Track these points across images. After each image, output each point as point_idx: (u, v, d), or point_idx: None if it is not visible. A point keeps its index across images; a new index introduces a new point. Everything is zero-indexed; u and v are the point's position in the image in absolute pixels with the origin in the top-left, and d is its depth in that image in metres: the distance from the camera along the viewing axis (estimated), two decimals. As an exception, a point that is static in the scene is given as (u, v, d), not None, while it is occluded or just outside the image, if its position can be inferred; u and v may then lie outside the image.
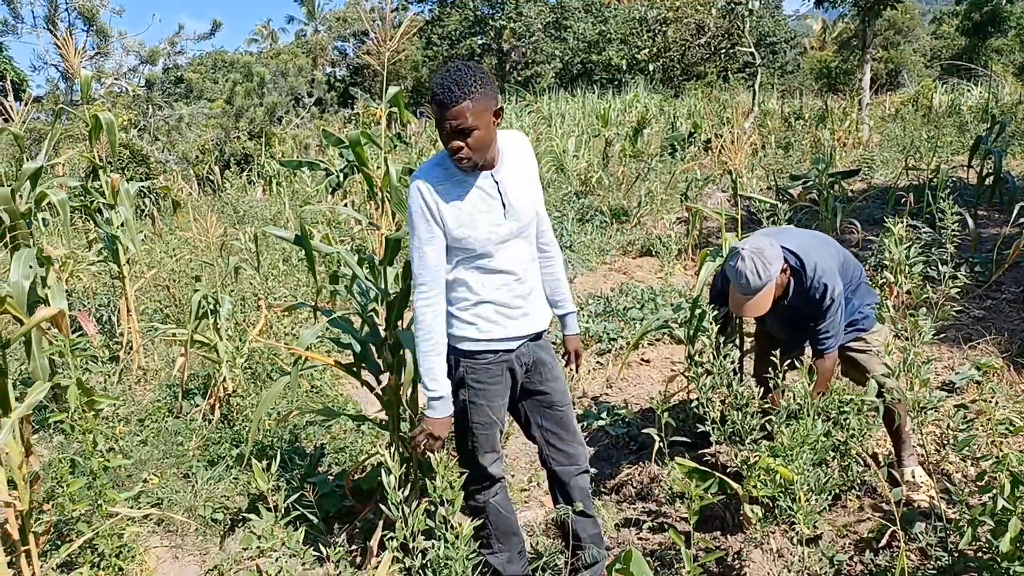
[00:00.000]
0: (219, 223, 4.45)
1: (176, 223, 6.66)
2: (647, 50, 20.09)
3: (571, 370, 2.57)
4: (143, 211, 8.86)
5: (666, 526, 2.78)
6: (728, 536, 2.69)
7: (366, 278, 2.73)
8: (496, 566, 2.44)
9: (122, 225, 4.37)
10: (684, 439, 3.36)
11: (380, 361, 2.80)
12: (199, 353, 4.13)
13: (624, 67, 21.45)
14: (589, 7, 25.18)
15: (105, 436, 3.24)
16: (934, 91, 14.85)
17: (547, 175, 10.29)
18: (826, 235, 2.96)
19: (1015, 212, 4.93)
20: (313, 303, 3.01)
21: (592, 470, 3.36)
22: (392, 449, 2.81)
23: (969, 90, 15.43)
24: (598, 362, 4.70)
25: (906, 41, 30.65)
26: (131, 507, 2.97)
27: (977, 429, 2.77)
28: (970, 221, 5.65)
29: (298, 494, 2.77)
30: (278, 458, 2.12)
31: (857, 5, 13.21)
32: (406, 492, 1.90)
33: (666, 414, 2.81)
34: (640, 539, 2.82)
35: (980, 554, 2.21)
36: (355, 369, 2.80)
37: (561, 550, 2.61)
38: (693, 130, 11.90)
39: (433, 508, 1.91)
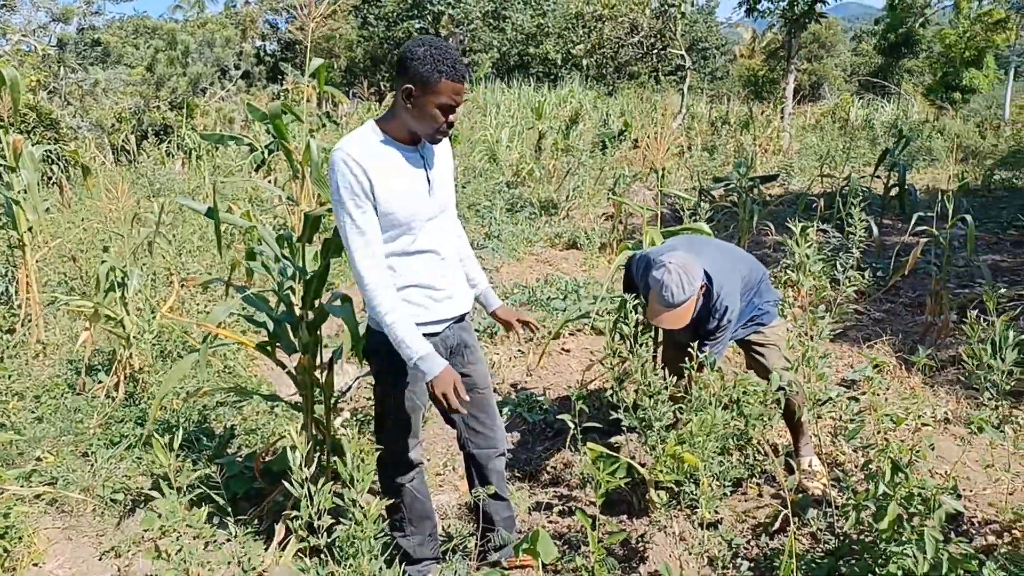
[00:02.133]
0: (132, 194, 4.25)
1: (86, 191, 6.31)
2: (582, 45, 20.33)
3: (529, 331, 2.55)
4: (50, 178, 8.36)
5: (576, 509, 2.84)
6: (634, 519, 2.77)
7: (283, 256, 2.67)
8: (407, 549, 2.44)
9: (24, 191, 4.12)
10: (598, 426, 3.45)
11: (296, 341, 2.74)
12: (104, 328, 3.94)
13: (559, 61, 21.63)
14: (528, -1, 25.25)
15: (-5, 411, 3.07)
16: (851, 105, 15.63)
17: (479, 164, 10.29)
18: (733, 246, 3.08)
19: (913, 222, 5.24)
20: (227, 279, 2.92)
21: (508, 455, 3.43)
22: (304, 430, 2.78)
23: (882, 106, 16.30)
24: (519, 350, 4.75)
25: (829, 55, 32.05)
26: (21, 486, 2.82)
27: (866, 421, 2.94)
28: (875, 229, 5.99)
29: (205, 475, 2.70)
30: (179, 437, 2.04)
31: (784, 17, 13.75)
32: (311, 470, 1.87)
33: (581, 401, 2.87)
34: (550, 522, 2.87)
35: (863, 536, 2.36)
36: (269, 348, 2.74)
37: (472, 532, 2.63)
38: (624, 128, 12.12)
39: (343, 488, 1.89)
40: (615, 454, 2.63)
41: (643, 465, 2.78)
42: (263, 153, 7.74)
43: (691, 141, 11.43)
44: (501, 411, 3.90)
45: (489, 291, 2.56)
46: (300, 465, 1.82)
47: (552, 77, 21.49)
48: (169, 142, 11.69)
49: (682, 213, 4.22)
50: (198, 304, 4.55)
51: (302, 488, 1.84)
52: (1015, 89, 23.66)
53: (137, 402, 3.69)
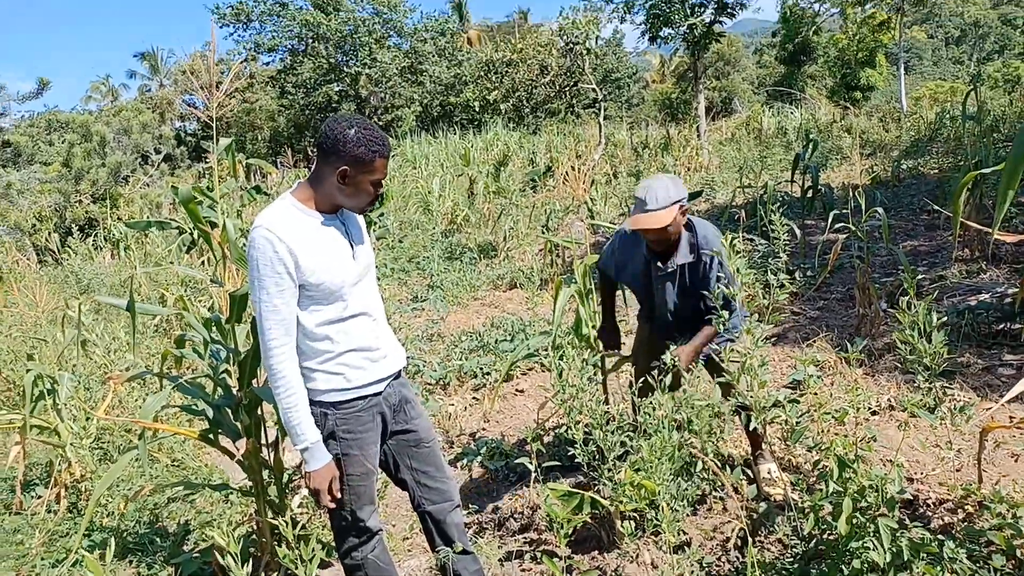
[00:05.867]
0: (56, 294, 4.11)
1: (1, 298, 6.08)
2: (497, 91, 20.81)
3: None
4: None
5: (545, 555, 2.81)
6: (605, 554, 2.76)
7: (214, 339, 2.61)
8: (377, 622, 2.36)
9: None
10: (559, 464, 3.44)
11: (238, 424, 2.67)
12: (38, 439, 3.76)
13: (478, 108, 22.08)
14: (442, 51, 25.70)
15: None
16: (763, 115, 16.32)
17: (414, 216, 10.34)
18: None
19: (830, 220, 5.47)
20: (160, 370, 2.83)
21: (474, 507, 3.38)
22: (258, 516, 2.69)
23: (791, 112, 17.07)
24: (474, 398, 4.72)
25: (735, 71, 33.55)
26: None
27: (813, 420, 3.02)
28: (797, 231, 6.22)
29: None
30: (112, 547, 1.95)
31: (686, 41, 14.36)
32: (265, 560, 1.81)
33: (536, 442, 2.86)
34: (523, 570, 2.83)
35: (827, 536, 2.40)
36: (211, 436, 2.66)
37: (444, 594, 2.57)
38: (551, 164, 12.37)
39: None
40: (576, 490, 2.63)
41: (605, 497, 2.77)
42: (192, 235, 7.64)
43: (616, 168, 11.72)
44: (461, 461, 3.86)
45: None
46: (237, 566, 1.75)
47: (476, 123, 21.85)
48: (95, 236, 11.40)
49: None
50: (136, 400, 4.39)
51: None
52: (907, 82, 25.16)
53: (81, 512, 3.52)
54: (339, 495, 2.15)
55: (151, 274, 7.43)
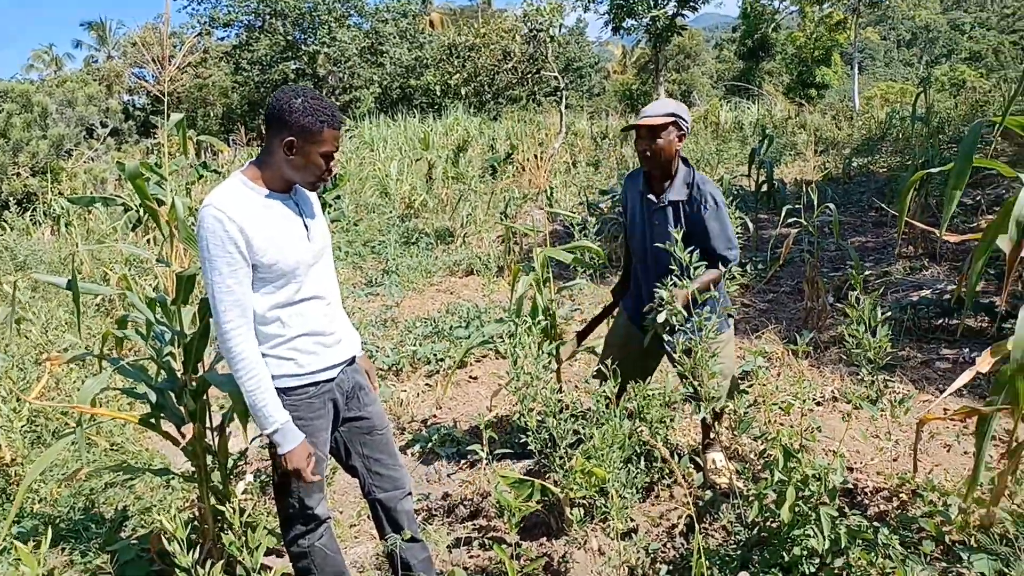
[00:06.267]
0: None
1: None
2: (458, 75, 20.65)
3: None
4: None
5: (495, 541, 2.81)
6: (553, 540, 2.77)
7: (159, 320, 2.52)
8: (323, 610, 2.33)
9: None
10: (510, 451, 3.45)
11: (182, 409, 2.59)
12: (-33, 422, 3.60)
13: (439, 92, 21.88)
14: (404, 33, 25.34)
15: None
16: (720, 109, 16.55)
17: (371, 200, 10.20)
18: None
19: (783, 214, 5.58)
20: (99, 352, 2.73)
21: (426, 492, 3.36)
22: (201, 502, 2.62)
23: (748, 107, 17.35)
24: (427, 384, 4.69)
25: (695, 64, 33.91)
26: None
27: (760, 410, 3.08)
28: (750, 225, 6.32)
29: (95, 567, 2.49)
30: (48, 536, 1.87)
31: (649, 32, 14.45)
32: (207, 547, 1.76)
33: (489, 429, 2.85)
34: (471, 557, 2.83)
35: (769, 523, 2.45)
36: (153, 421, 2.58)
37: (391, 581, 2.55)
38: (511, 151, 12.33)
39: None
40: (527, 478, 2.63)
41: (556, 484, 2.78)
42: (138, 213, 7.37)
43: (575, 158, 11.74)
44: (412, 448, 3.83)
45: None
46: (182, 551, 1.70)
47: (436, 107, 21.64)
48: (34, 210, 10.94)
49: (572, 229, 4.31)
50: (75, 382, 4.24)
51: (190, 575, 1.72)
52: (860, 81, 25.82)
53: (11, 498, 3.38)
54: (319, 476, 2.10)
55: (94, 252, 7.17)
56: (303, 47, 24.02)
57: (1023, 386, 2.00)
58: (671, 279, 2.52)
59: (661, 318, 2.56)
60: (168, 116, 2.64)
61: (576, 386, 4.17)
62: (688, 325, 2.62)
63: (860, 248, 6.43)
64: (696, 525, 2.28)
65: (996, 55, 35.14)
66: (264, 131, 2.04)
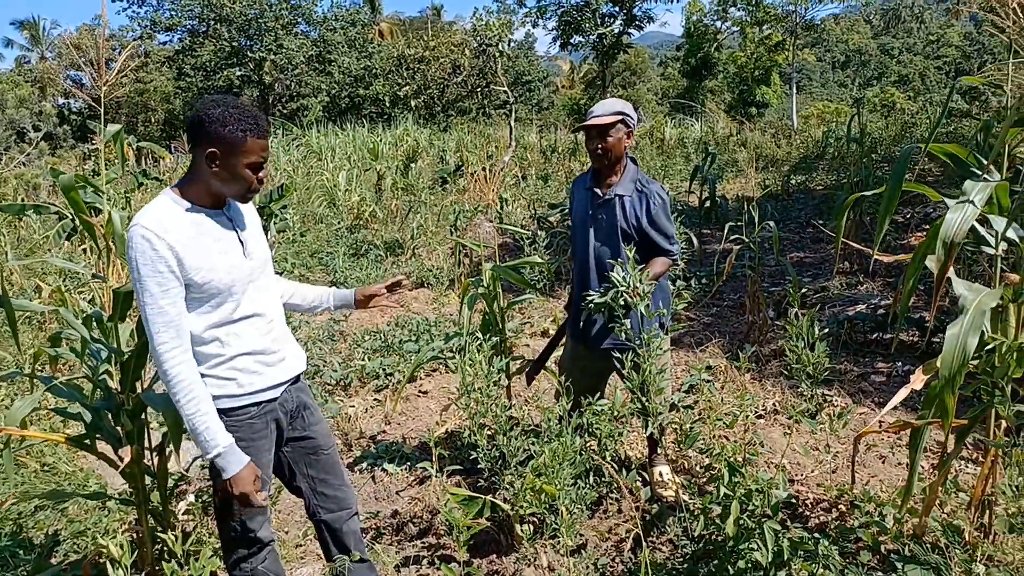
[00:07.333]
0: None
1: None
2: (408, 87, 20.60)
3: (405, 288, 2.62)
4: None
5: (443, 560, 2.79)
6: (503, 557, 2.77)
7: (94, 338, 2.43)
8: (267, 636, 2.27)
9: None
10: (460, 468, 3.43)
11: (119, 429, 2.50)
12: None
13: (388, 103, 21.76)
14: (353, 42, 25.13)
15: None
16: (665, 126, 16.91)
17: (319, 210, 10.04)
18: None
19: (726, 230, 5.73)
20: (31, 371, 2.61)
21: (375, 510, 3.32)
22: (139, 525, 2.53)
23: (692, 124, 17.80)
24: (376, 399, 4.63)
25: (640, 81, 34.65)
26: None
27: (704, 424, 3.15)
28: (695, 240, 6.48)
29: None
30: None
31: (596, 49, 14.70)
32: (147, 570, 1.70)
33: (438, 447, 2.84)
34: (420, 576, 2.80)
35: (715, 537, 2.50)
36: (88, 442, 2.47)
37: (338, 603, 2.50)
38: (461, 163, 12.34)
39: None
40: (477, 495, 2.62)
41: (506, 501, 2.78)
42: (73, 222, 7.08)
43: (525, 171, 11.82)
44: (360, 465, 3.77)
45: (335, 292, 2.50)
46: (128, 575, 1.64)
47: (385, 117, 21.50)
48: (-43, 217, 10.39)
49: (522, 243, 4.34)
50: (2, 401, 4.04)
51: (131, 600, 1.66)
52: (798, 101, 26.81)
53: (-69, 524, 3.19)
54: (265, 497, 2.03)
55: (22, 264, 6.86)
56: (249, 53, 23.57)
57: (951, 401, 2.10)
58: (617, 270, 2.62)
59: (599, 300, 2.65)
60: (105, 123, 2.55)
61: (527, 400, 4.18)
62: (630, 317, 2.71)
63: (799, 264, 6.65)
64: (643, 539, 2.31)
65: (922, 79, 37.05)
66: (188, 145, 1.98)
